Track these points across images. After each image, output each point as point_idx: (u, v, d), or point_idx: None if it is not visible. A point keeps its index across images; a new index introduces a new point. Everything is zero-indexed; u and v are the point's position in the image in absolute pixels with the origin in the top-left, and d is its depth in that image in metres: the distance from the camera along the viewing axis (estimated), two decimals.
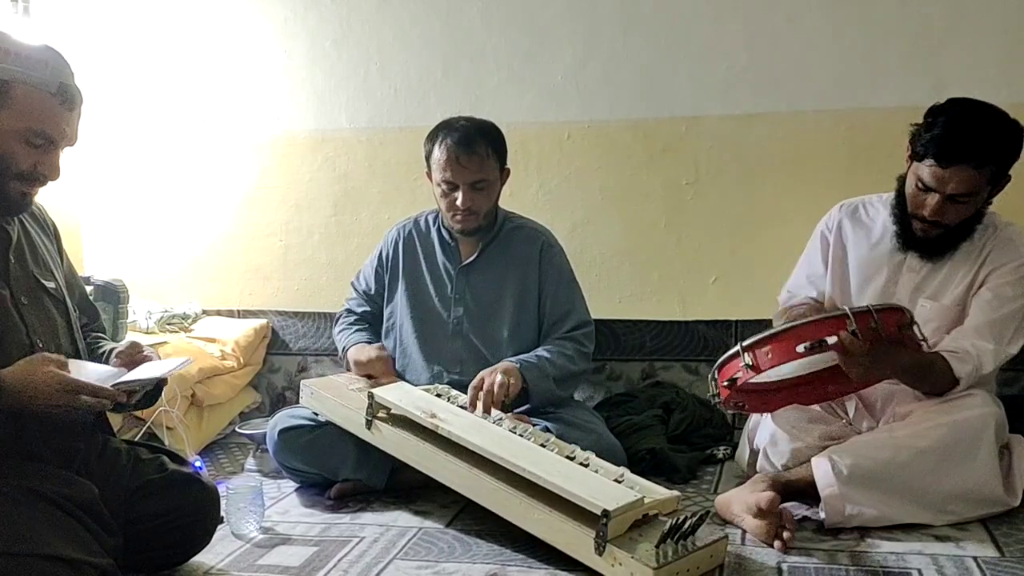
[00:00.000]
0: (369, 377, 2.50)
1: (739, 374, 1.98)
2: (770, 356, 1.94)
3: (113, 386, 1.73)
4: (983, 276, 2.20)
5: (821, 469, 2.04)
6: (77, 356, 1.87)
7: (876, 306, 1.98)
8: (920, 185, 2.15)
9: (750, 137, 2.81)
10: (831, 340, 1.92)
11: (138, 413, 2.66)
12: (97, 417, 1.95)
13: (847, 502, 2.01)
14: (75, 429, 1.84)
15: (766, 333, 1.98)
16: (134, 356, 1.87)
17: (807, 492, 2.07)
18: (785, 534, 1.95)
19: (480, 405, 2.25)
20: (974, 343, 2.13)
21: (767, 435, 2.20)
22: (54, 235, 1.97)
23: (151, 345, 2.77)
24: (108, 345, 1.98)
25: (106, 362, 1.89)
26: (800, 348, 1.92)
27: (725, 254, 2.88)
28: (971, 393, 2.13)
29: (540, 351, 2.44)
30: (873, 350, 1.95)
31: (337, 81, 3.12)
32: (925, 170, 2.12)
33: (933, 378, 2.11)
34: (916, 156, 2.15)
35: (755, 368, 1.96)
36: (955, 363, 2.10)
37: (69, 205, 3.30)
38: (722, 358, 2.05)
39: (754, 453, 2.30)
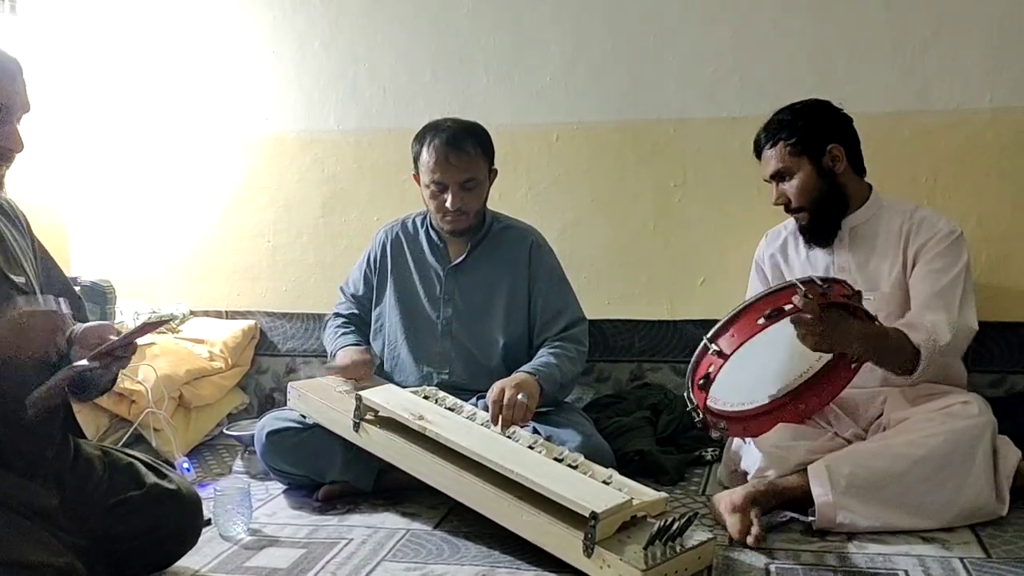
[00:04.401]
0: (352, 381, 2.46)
1: (711, 369, 1.99)
2: (734, 336, 1.97)
3: (91, 357, 1.70)
4: (911, 256, 2.29)
5: (817, 478, 2.05)
6: None
7: (818, 276, 2.03)
8: (766, 180, 2.40)
9: (737, 140, 2.82)
10: (787, 307, 1.95)
11: (125, 414, 2.65)
12: (64, 419, 1.90)
13: (840, 509, 2.03)
14: (42, 436, 1.79)
15: (724, 319, 2.00)
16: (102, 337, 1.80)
17: (803, 500, 2.08)
18: (754, 530, 1.98)
19: (501, 421, 2.20)
20: (924, 317, 2.17)
21: (754, 460, 2.20)
22: (26, 229, 1.92)
23: (141, 345, 2.77)
24: (77, 328, 1.87)
25: (68, 347, 1.81)
26: (760, 320, 1.95)
27: (713, 256, 2.89)
28: (967, 400, 2.15)
29: (547, 357, 2.42)
30: (827, 314, 1.96)
31: (326, 82, 3.11)
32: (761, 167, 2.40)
33: (892, 349, 2.10)
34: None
35: (722, 355, 1.97)
36: (910, 332, 2.12)
37: (56, 205, 3.29)
38: (691, 363, 2.06)
39: (737, 473, 2.31)
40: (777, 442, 2.19)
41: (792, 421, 2.23)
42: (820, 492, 2.04)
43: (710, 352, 1.98)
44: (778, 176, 2.34)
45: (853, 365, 2.16)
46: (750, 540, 1.97)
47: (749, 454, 2.24)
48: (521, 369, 2.38)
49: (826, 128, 2.31)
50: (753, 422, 2.20)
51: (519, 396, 2.22)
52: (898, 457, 2.05)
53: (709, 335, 1.99)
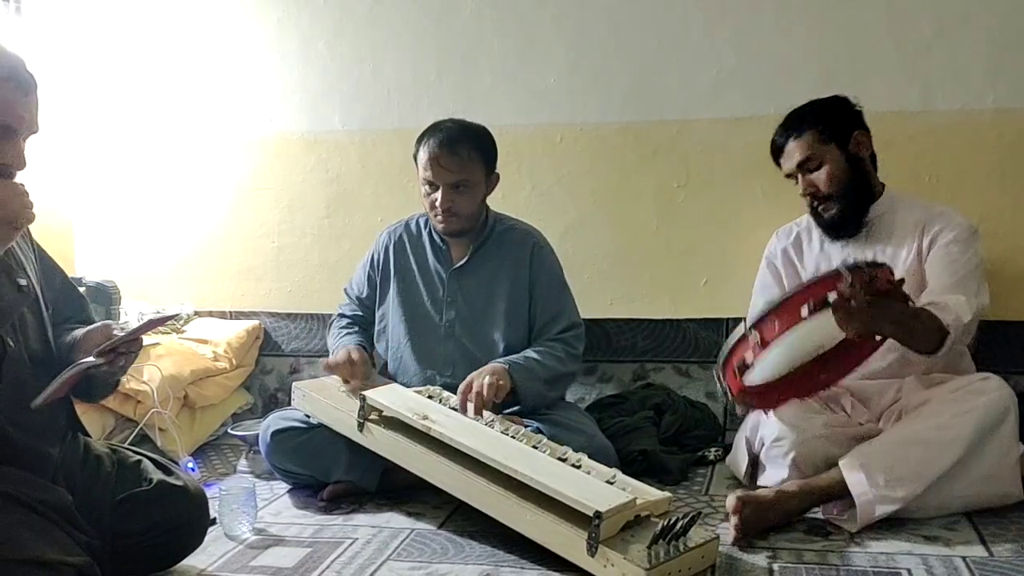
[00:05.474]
0: (345, 382, 2.45)
1: (748, 354, 1.99)
2: (776, 326, 1.95)
3: (96, 353, 1.71)
4: (927, 244, 2.32)
5: (855, 476, 2.06)
6: (48, 355, 1.83)
7: (863, 261, 2.00)
8: (790, 174, 2.39)
9: (740, 140, 2.83)
10: (832, 296, 1.94)
11: (130, 414, 2.66)
12: (68, 418, 1.91)
13: (879, 504, 2.04)
14: (45, 432, 1.80)
15: (768, 307, 1.98)
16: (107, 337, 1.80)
17: (838, 496, 2.09)
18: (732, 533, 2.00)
19: (471, 408, 2.25)
20: (947, 297, 2.18)
21: (771, 431, 2.22)
22: (26, 231, 1.91)
23: (146, 346, 2.78)
24: (79, 332, 1.89)
25: (71, 350, 1.83)
26: (804, 311, 1.93)
27: (716, 256, 2.89)
28: (986, 376, 2.18)
29: (529, 352, 2.45)
30: (873, 300, 1.95)
31: (330, 82, 3.12)
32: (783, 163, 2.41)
33: (923, 328, 2.11)
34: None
35: (764, 343, 1.96)
36: (937, 312, 2.13)
37: (60, 206, 3.30)
38: (728, 346, 2.04)
39: (753, 457, 2.32)
40: (795, 415, 2.21)
41: (811, 392, 2.22)
42: (859, 491, 2.04)
43: (751, 339, 1.97)
44: (804, 166, 2.34)
45: (879, 337, 2.15)
46: (729, 540, 1.99)
47: (766, 426, 2.25)
48: (496, 360, 2.40)
49: (849, 116, 2.36)
50: (774, 393, 2.17)
51: (486, 379, 2.26)
52: (930, 442, 2.06)
53: (751, 322, 1.98)
